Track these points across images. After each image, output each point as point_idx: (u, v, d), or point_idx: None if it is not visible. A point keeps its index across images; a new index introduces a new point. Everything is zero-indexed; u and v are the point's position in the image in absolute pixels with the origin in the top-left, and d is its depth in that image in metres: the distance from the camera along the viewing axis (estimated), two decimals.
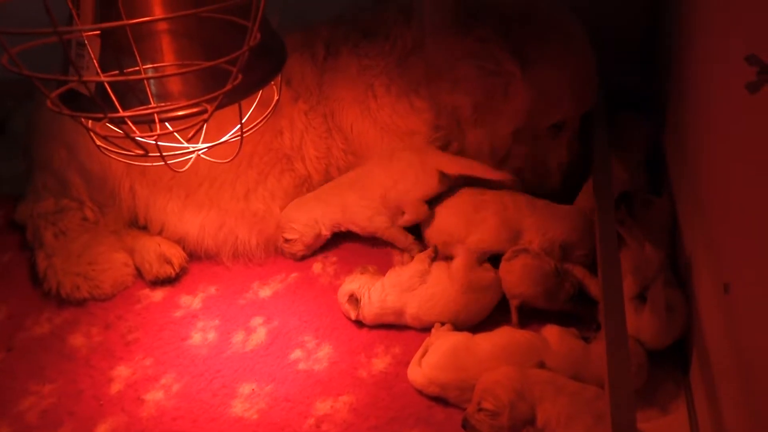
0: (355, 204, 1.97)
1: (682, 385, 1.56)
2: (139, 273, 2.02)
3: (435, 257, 1.86)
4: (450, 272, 1.77)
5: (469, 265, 1.77)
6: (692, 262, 1.60)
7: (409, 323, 1.78)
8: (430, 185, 1.93)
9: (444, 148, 2.01)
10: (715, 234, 1.42)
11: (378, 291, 1.77)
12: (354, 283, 1.81)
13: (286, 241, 1.99)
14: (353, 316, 1.79)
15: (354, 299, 1.78)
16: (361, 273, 1.84)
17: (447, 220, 1.91)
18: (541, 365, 1.57)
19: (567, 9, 1.93)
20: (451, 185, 1.94)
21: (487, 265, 1.81)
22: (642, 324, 1.56)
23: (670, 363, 1.60)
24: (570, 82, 1.88)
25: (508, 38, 1.84)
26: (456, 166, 1.93)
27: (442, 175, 1.92)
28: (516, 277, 1.72)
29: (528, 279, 1.71)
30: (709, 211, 1.48)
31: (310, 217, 1.98)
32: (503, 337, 1.64)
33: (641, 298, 1.60)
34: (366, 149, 2.05)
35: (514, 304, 1.73)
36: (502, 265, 1.76)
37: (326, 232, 2.00)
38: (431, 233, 1.93)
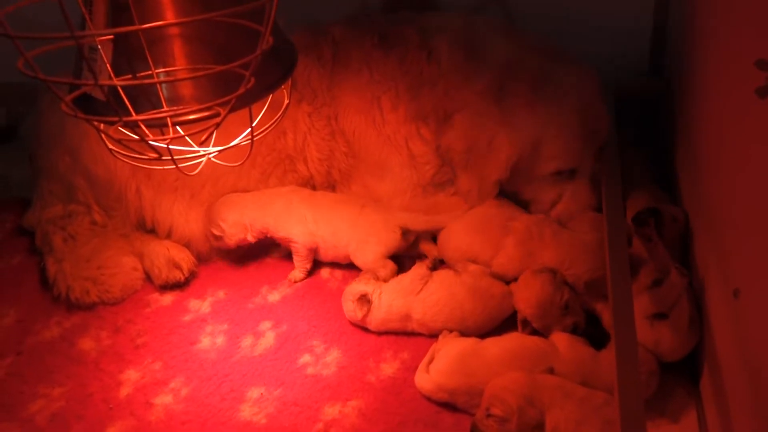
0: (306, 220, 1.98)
1: (693, 394, 1.55)
2: (148, 277, 2.03)
3: (435, 268, 1.87)
4: (461, 274, 1.78)
5: (482, 272, 1.78)
6: (702, 269, 1.60)
7: (416, 329, 1.78)
8: (393, 242, 1.93)
9: (443, 184, 2.04)
10: (725, 240, 1.41)
11: (387, 295, 1.78)
12: (367, 284, 1.81)
13: (214, 237, 2.01)
14: (358, 317, 1.79)
15: (365, 300, 1.78)
16: (374, 278, 1.85)
17: (468, 239, 1.88)
18: (550, 371, 1.56)
19: (561, 53, 1.94)
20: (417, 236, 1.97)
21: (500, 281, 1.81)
22: (661, 338, 1.55)
23: (681, 371, 1.59)
24: (566, 134, 1.87)
25: (501, 91, 1.88)
26: (419, 223, 1.95)
27: (406, 231, 1.94)
28: (525, 293, 1.70)
29: (534, 300, 1.68)
30: (718, 216, 1.48)
31: (239, 221, 1.98)
32: (512, 342, 1.64)
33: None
34: (367, 155, 2.06)
35: (519, 316, 1.72)
36: (526, 274, 1.74)
37: (251, 239, 2.00)
38: (449, 251, 1.91)
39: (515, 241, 1.81)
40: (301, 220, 1.97)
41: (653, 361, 1.53)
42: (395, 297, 1.78)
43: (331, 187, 2.12)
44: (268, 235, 2.00)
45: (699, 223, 1.67)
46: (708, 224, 1.58)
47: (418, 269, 1.84)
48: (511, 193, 1.98)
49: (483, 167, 1.91)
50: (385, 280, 1.85)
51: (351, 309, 1.80)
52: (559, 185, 1.93)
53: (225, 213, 1.98)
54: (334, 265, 2.02)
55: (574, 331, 1.65)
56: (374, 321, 1.78)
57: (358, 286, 1.81)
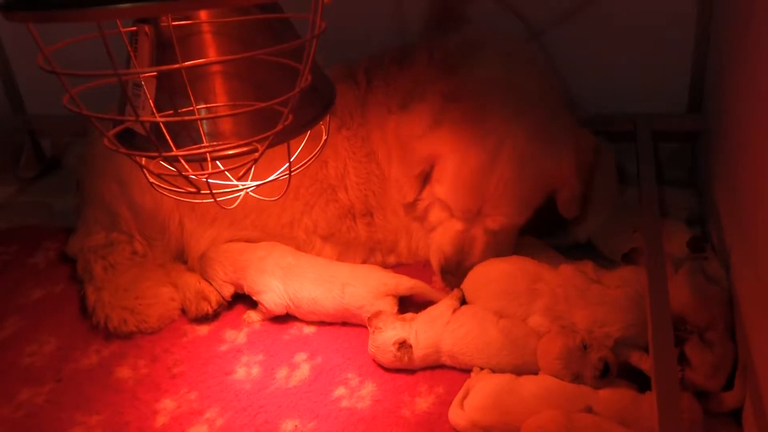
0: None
1: None
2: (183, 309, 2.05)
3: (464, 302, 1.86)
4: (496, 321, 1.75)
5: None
6: (746, 305, 1.57)
7: (446, 362, 1.77)
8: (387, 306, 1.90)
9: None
10: (765, 265, 1.39)
11: (422, 331, 1.76)
12: (396, 329, 1.78)
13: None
14: (405, 363, 1.75)
15: (405, 345, 1.74)
16: (394, 320, 1.82)
17: (497, 305, 1.80)
18: (588, 410, 1.53)
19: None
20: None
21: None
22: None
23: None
24: (519, 185, 1.83)
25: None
26: (405, 288, 1.93)
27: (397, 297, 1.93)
28: (545, 353, 1.64)
29: (550, 358, 1.62)
30: (762, 254, 1.45)
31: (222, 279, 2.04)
32: (550, 380, 1.61)
33: None
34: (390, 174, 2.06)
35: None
36: (552, 334, 1.68)
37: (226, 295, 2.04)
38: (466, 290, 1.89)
39: (542, 307, 1.75)
40: (274, 289, 1.97)
41: (698, 411, 1.47)
42: (427, 328, 1.77)
43: (369, 214, 2.12)
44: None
45: (742, 260, 1.64)
46: (750, 257, 1.55)
47: (449, 300, 1.83)
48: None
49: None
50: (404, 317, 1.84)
51: (393, 359, 1.76)
52: None
53: (208, 272, 2.05)
54: None
55: (606, 367, 1.57)
56: (417, 361, 1.76)
57: (390, 333, 1.77)
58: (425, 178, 1.95)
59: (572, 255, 1.97)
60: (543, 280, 1.79)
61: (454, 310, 1.80)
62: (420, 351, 1.76)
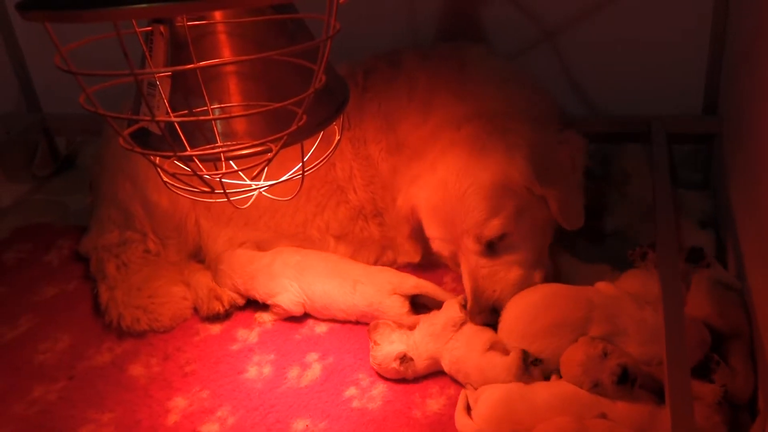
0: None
1: None
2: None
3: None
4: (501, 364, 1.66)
5: (519, 370, 1.63)
6: (761, 308, 1.56)
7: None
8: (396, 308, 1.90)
9: None
10: None
11: (422, 344, 1.74)
12: (394, 343, 1.76)
13: None
14: (409, 375, 1.74)
15: (406, 359, 1.73)
16: (392, 331, 1.79)
17: (542, 333, 1.67)
18: (602, 417, 1.48)
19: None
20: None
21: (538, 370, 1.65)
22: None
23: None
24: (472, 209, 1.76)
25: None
26: (409, 288, 1.92)
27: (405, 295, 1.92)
28: (568, 361, 1.58)
29: (572, 365, 1.56)
30: None
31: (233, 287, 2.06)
32: (564, 386, 1.56)
33: None
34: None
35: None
36: (577, 344, 1.59)
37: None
38: (505, 333, 1.72)
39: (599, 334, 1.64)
40: (288, 288, 1.98)
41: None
42: (429, 341, 1.74)
43: (380, 215, 2.11)
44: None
45: (756, 260, 1.63)
46: (766, 261, 1.53)
47: (451, 312, 1.78)
48: None
49: None
50: (407, 325, 1.83)
51: (395, 373, 1.74)
52: None
53: (220, 281, 2.07)
54: None
55: (624, 373, 1.49)
56: (420, 371, 1.75)
57: (389, 349, 1.75)
58: (419, 235, 1.92)
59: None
60: (597, 308, 1.67)
61: (457, 328, 1.75)
62: (422, 362, 1.74)
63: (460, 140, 1.81)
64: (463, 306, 1.79)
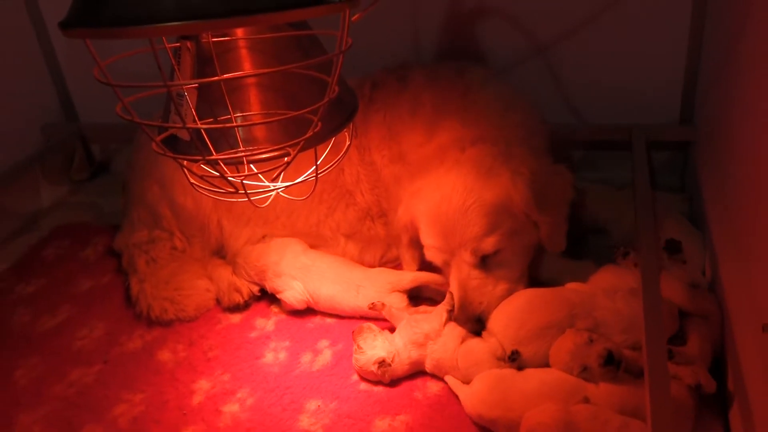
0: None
1: (723, 426, 1.49)
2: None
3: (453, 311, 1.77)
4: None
5: (500, 352, 1.66)
6: (731, 303, 1.57)
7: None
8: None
9: None
10: (754, 276, 1.38)
11: (404, 350, 1.72)
12: (375, 348, 1.73)
13: None
14: (387, 380, 1.71)
15: (385, 364, 1.70)
16: (375, 336, 1.77)
17: (532, 335, 1.66)
18: (585, 400, 1.50)
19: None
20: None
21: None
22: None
23: (711, 404, 1.53)
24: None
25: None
26: (407, 282, 1.92)
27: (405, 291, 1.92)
28: (557, 350, 1.59)
29: (561, 353, 1.57)
30: (747, 253, 1.45)
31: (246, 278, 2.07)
32: (551, 373, 1.57)
33: None
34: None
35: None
36: (566, 335, 1.60)
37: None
38: (496, 330, 1.72)
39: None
40: (294, 287, 1.98)
41: (690, 406, 1.44)
42: (412, 348, 1.72)
43: (384, 215, 2.12)
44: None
45: (728, 259, 1.65)
46: (737, 260, 1.55)
47: (435, 322, 1.75)
48: None
49: None
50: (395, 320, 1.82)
51: (374, 376, 1.72)
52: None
53: (240, 272, 2.08)
54: None
55: (609, 356, 1.50)
56: (400, 374, 1.73)
57: (369, 354, 1.72)
58: (416, 245, 1.91)
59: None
60: (576, 306, 1.68)
61: (438, 333, 1.73)
62: (404, 366, 1.72)
63: (466, 160, 1.81)
64: (450, 311, 1.77)
